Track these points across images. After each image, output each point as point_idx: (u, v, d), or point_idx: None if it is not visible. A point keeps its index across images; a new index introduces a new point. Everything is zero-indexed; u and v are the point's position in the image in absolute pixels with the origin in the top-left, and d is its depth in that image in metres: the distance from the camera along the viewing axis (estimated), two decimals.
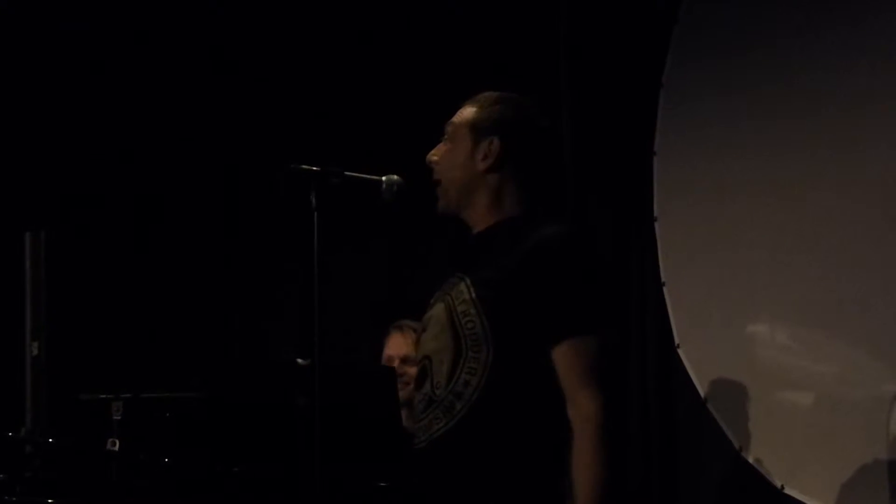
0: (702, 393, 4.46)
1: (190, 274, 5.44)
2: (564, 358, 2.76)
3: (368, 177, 3.08)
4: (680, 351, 4.53)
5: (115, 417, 3.56)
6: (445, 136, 3.07)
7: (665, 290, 4.59)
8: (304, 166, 3.00)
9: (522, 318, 2.79)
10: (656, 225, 4.65)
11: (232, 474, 3.42)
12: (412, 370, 4.01)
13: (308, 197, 2.97)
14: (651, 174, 4.68)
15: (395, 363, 4.27)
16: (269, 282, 5.41)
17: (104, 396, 3.59)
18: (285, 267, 5.29)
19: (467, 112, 3.05)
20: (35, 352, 3.68)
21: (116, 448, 3.49)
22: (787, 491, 4.21)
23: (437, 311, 2.93)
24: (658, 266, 4.63)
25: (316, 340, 2.96)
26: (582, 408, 2.73)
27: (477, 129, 3.00)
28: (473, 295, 2.84)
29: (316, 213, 2.97)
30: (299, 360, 3.38)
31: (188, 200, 5.46)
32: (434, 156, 3.06)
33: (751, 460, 4.32)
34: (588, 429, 2.71)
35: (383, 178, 3.09)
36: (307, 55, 5.39)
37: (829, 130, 4.25)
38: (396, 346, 4.27)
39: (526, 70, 4.86)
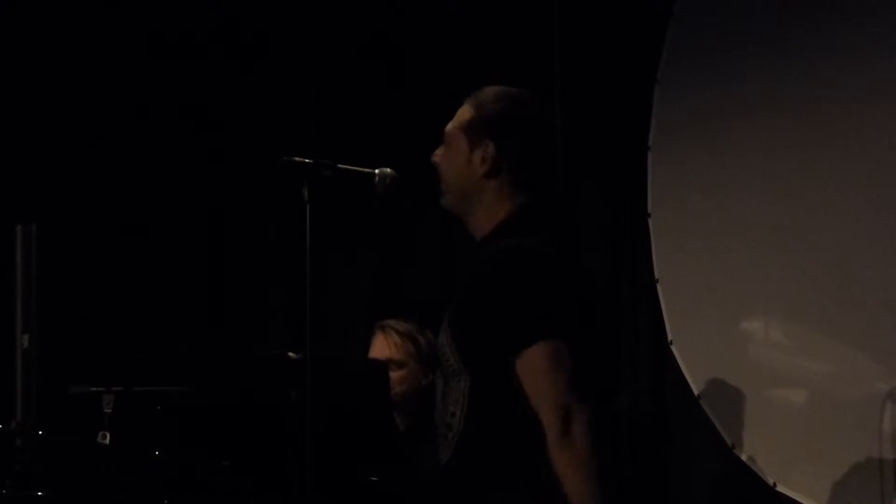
0: (695, 390, 4.45)
1: (181, 267, 5.42)
2: (521, 372, 2.75)
3: (361, 169, 3.07)
4: (673, 347, 4.52)
5: (106, 411, 3.55)
6: (442, 138, 3.03)
7: (658, 286, 4.59)
8: (296, 159, 2.99)
9: (481, 342, 2.79)
10: (650, 221, 4.64)
11: (222, 468, 3.41)
12: (395, 374, 4.01)
13: (300, 190, 2.96)
14: (645, 170, 4.67)
15: None
16: (260, 275, 5.40)
17: (95, 390, 3.58)
18: (277, 260, 5.27)
19: (463, 114, 2.99)
20: (26, 344, 3.67)
21: (107, 441, 3.48)
22: (780, 488, 4.21)
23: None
24: (651, 262, 4.62)
25: (308, 334, 2.94)
26: (543, 421, 2.72)
27: (472, 132, 2.95)
28: (447, 324, 2.87)
29: (308, 206, 2.95)
30: (291, 354, 3.37)
31: (180, 193, 5.44)
32: (436, 157, 3.02)
33: (743, 458, 4.32)
34: (551, 440, 2.71)
35: (376, 171, 3.08)
36: (300, 47, 5.37)
37: (825, 128, 4.25)
38: (379, 348, 4.20)
39: (520, 65, 4.84)
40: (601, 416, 2.73)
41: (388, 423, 3.61)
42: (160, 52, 5.45)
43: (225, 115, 5.47)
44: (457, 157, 2.95)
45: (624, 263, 4.71)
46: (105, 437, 3.49)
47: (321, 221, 2.97)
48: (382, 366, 3.84)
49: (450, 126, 2.99)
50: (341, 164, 3.05)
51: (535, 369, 2.72)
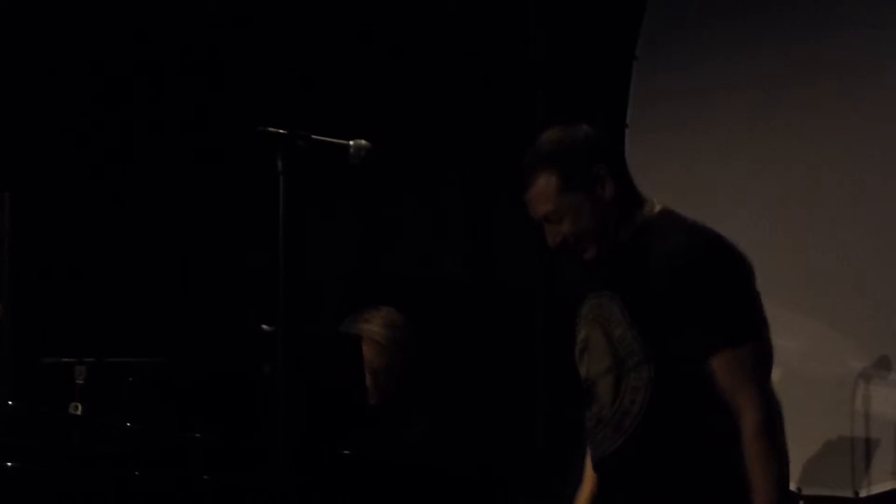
0: None
1: (155, 239, 5.40)
2: (720, 368, 2.79)
3: (336, 141, 3.05)
4: None
5: (78, 382, 3.54)
6: (550, 220, 2.93)
7: None
8: (270, 129, 2.97)
9: (676, 332, 2.81)
10: None
11: (195, 440, 3.40)
12: (382, 374, 3.98)
13: (275, 160, 2.94)
14: (622, 146, 4.67)
15: None
16: (234, 247, 5.38)
17: (67, 360, 3.57)
18: (251, 232, 5.26)
19: (547, 185, 2.91)
20: None
21: (79, 412, 3.47)
22: None
23: (595, 334, 2.94)
24: None
25: (281, 307, 2.93)
26: (742, 414, 2.79)
27: (572, 180, 2.89)
28: (628, 317, 2.85)
29: (282, 177, 2.93)
30: (264, 327, 3.36)
31: (154, 164, 5.41)
32: (559, 237, 2.94)
33: None
34: (749, 431, 2.78)
35: (351, 143, 3.06)
36: (276, 19, 5.35)
37: (802, 102, 4.27)
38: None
39: (498, 42, 4.84)
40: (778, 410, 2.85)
41: (361, 397, 3.60)
42: (137, 23, 5.42)
43: (200, 85, 5.44)
44: (583, 211, 2.90)
45: None
46: (77, 408, 3.48)
47: (296, 192, 2.96)
48: (355, 339, 3.83)
49: (546, 207, 2.92)
50: (316, 135, 3.03)
51: (739, 367, 2.79)
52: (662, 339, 2.81)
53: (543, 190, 2.91)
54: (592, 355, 2.95)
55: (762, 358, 2.84)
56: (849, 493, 4.21)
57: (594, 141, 2.92)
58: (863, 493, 4.20)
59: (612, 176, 2.89)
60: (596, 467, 2.99)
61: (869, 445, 4.20)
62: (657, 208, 2.95)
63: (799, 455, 4.15)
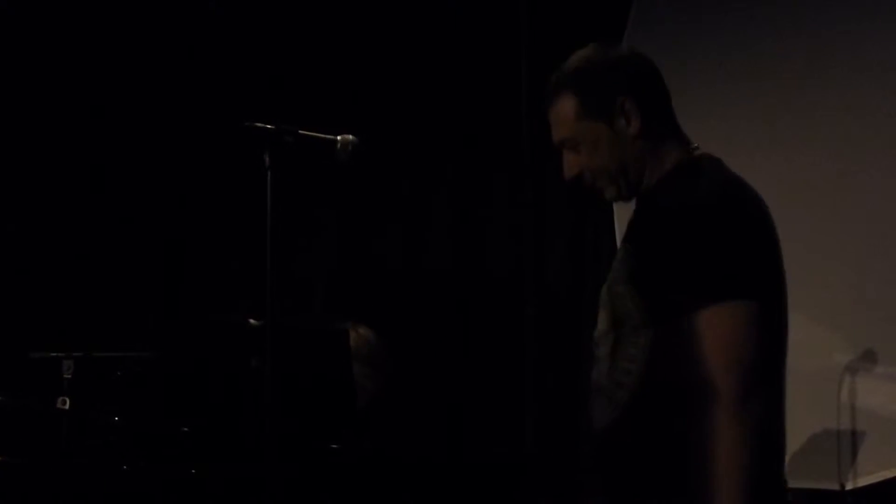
0: None
1: (142, 233, 5.40)
2: (700, 330, 2.39)
3: (323, 136, 3.05)
4: None
5: (66, 376, 3.54)
6: (566, 146, 2.63)
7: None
8: (257, 124, 2.97)
9: (671, 292, 2.44)
10: None
11: (182, 434, 3.40)
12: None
13: (262, 155, 2.94)
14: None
15: None
16: (221, 241, 5.38)
17: (55, 355, 3.57)
18: (238, 226, 5.26)
19: (566, 107, 2.61)
20: None
21: (66, 406, 3.47)
22: None
23: (603, 290, 2.61)
24: (614, 234, 4.64)
25: (269, 301, 2.93)
26: (714, 382, 2.37)
27: (593, 109, 2.58)
28: (626, 269, 2.53)
29: (270, 172, 2.93)
30: (251, 321, 3.37)
31: (141, 158, 5.41)
32: (575, 168, 2.63)
33: None
34: (715, 413, 2.36)
35: (338, 138, 3.06)
36: (263, 15, 5.35)
37: (793, 95, 4.27)
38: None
39: (485, 36, 4.85)
40: (775, 406, 2.48)
41: (349, 391, 3.61)
42: (124, 21, 5.41)
43: (187, 81, 5.44)
44: (602, 142, 2.59)
45: (587, 234, 4.73)
46: (65, 402, 3.49)
47: (283, 187, 2.96)
48: (343, 333, 3.84)
49: (563, 131, 2.63)
50: (303, 130, 3.03)
51: (722, 328, 2.38)
52: (661, 301, 2.46)
53: (562, 112, 2.62)
54: (600, 313, 2.61)
55: (754, 324, 2.40)
56: (835, 486, 4.22)
57: (625, 69, 2.60)
58: (848, 486, 4.21)
59: (640, 111, 2.57)
60: (589, 438, 2.64)
61: (855, 438, 4.21)
62: (697, 153, 2.62)
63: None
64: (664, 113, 2.63)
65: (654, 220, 2.54)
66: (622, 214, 4.62)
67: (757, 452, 2.38)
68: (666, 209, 2.51)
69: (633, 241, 2.56)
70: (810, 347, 4.19)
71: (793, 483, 4.15)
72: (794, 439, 4.13)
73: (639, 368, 2.50)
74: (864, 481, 4.20)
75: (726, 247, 2.44)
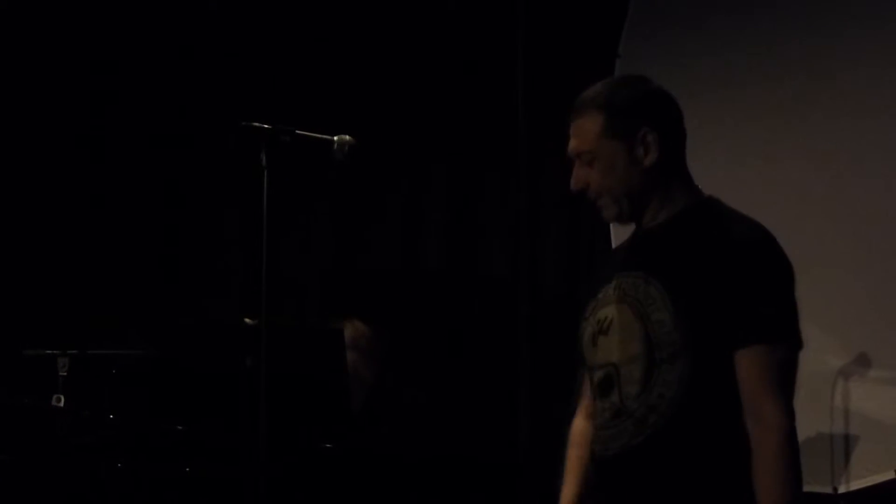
0: None
1: (138, 232, 5.41)
2: (751, 364, 2.57)
3: (320, 136, 3.06)
4: None
5: (61, 373, 3.55)
6: (581, 158, 2.75)
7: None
8: (255, 124, 2.98)
9: (719, 324, 2.58)
10: None
11: (176, 432, 3.41)
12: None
13: (258, 155, 2.95)
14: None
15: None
16: (217, 240, 5.39)
17: (50, 352, 3.58)
18: (234, 226, 5.27)
19: (591, 123, 2.73)
20: None
21: (61, 404, 3.48)
22: None
23: (625, 317, 2.70)
24: (609, 235, 4.64)
25: (263, 300, 2.94)
26: (766, 418, 2.56)
27: (617, 130, 2.70)
28: (669, 301, 2.62)
29: (266, 172, 2.94)
30: (246, 320, 3.38)
31: (138, 157, 5.41)
32: (582, 182, 2.75)
33: None
34: (772, 439, 2.55)
35: (335, 138, 3.07)
36: (260, 15, 5.36)
37: (790, 100, 4.28)
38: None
39: (481, 38, 4.85)
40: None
41: (343, 391, 3.62)
42: (121, 19, 5.42)
43: (185, 78, 5.44)
44: (616, 164, 2.70)
45: (583, 232, 4.74)
46: (60, 399, 3.49)
47: (279, 187, 2.97)
48: (337, 333, 3.84)
49: (582, 144, 2.75)
50: (300, 130, 3.04)
51: (770, 367, 2.56)
52: (705, 330, 2.58)
53: (586, 126, 2.74)
54: (616, 339, 2.70)
55: (794, 367, 2.60)
56: (828, 489, 4.23)
57: (655, 104, 2.72)
58: (842, 490, 4.22)
59: (659, 146, 2.68)
60: (600, 462, 2.74)
61: (848, 442, 4.21)
62: (704, 195, 2.77)
63: None
64: (679, 154, 2.76)
65: (713, 258, 2.64)
66: None
67: (798, 488, 2.62)
68: (731, 249, 2.63)
69: (670, 274, 2.66)
70: (804, 351, 4.17)
71: None
72: None
73: (674, 395, 2.60)
74: (857, 485, 4.21)
75: (781, 286, 2.63)
